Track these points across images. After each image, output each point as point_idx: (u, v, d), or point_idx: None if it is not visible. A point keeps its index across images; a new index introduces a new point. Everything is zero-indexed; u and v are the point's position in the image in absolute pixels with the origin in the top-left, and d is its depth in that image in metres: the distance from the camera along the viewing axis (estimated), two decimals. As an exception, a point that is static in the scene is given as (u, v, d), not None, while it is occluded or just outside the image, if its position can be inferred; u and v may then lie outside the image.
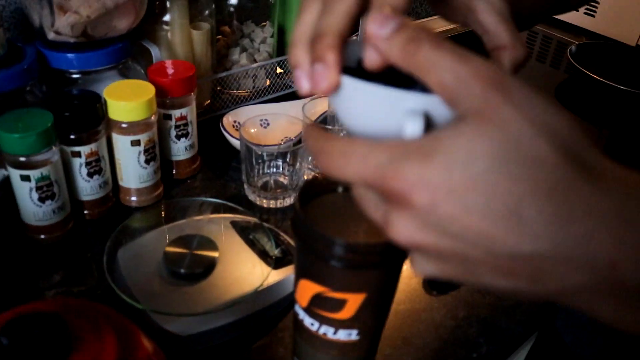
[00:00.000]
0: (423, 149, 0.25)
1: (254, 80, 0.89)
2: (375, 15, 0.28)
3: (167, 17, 0.75)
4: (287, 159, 0.74)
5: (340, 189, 0.44)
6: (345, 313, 0.42)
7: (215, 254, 0.59)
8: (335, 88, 0.30)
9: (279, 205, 0.74)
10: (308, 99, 0.80)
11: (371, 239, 0.40)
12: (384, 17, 0.27)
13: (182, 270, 0.57)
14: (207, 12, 0.78)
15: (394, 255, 0.39)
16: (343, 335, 0.44)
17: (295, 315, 0.46)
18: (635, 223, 0.23)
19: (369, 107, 0.29)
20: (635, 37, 1.24)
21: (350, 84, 0.29)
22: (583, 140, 0.25)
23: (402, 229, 0.27)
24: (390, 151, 0.26)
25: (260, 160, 0.73)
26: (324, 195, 0.44)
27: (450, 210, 0.25)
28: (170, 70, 0.69)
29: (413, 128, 0.27)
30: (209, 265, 0.58)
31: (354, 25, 0.31)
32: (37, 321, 0.33)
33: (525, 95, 0.25)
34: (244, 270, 0.58)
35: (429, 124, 0.28)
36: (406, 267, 0.36)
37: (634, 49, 1.22)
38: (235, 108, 0.85)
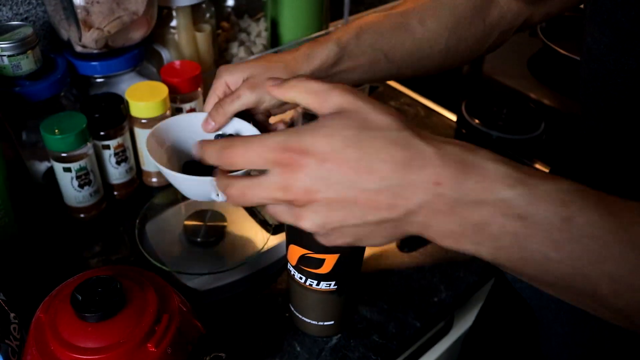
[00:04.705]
0: (310, 128, 0.35)
1: (251, 70, 1.01)
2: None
3: (173, 23, 0.86)
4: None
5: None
6: (325, 269, 0.56)
7: (224, 224, 0.73)
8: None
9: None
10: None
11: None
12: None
13: (199, 239, 0.71)
14: (207, 15, 0.90)
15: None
16: (324, 285, 0.58)
17: (288, 271, 0.60)
18: (448, 159, 0.34)
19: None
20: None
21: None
22: (407, 120, 0.37)
23: (300, 185, 0.34)
24: (284, 133, 0.36)
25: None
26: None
27: (332, 164, 0.34)
28: (179, 71, 0.82)
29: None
30: (220, 234, 0.72)
31: None
32: (100, 283, 0.47)
33: (366, 96, 0.37)
34: (248, 237, 0.72)
35: None
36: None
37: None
38: (236, 95, 0.97)
